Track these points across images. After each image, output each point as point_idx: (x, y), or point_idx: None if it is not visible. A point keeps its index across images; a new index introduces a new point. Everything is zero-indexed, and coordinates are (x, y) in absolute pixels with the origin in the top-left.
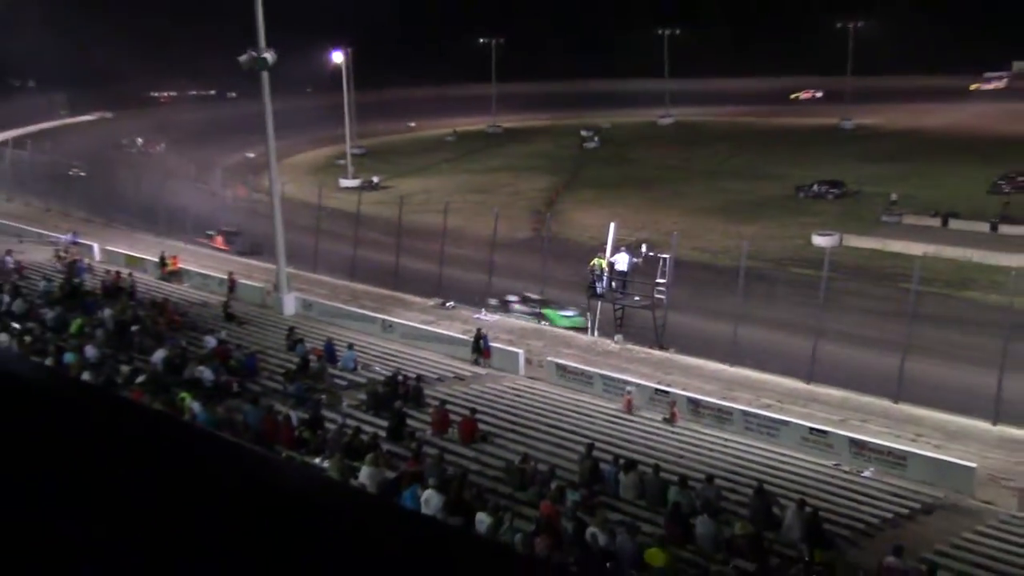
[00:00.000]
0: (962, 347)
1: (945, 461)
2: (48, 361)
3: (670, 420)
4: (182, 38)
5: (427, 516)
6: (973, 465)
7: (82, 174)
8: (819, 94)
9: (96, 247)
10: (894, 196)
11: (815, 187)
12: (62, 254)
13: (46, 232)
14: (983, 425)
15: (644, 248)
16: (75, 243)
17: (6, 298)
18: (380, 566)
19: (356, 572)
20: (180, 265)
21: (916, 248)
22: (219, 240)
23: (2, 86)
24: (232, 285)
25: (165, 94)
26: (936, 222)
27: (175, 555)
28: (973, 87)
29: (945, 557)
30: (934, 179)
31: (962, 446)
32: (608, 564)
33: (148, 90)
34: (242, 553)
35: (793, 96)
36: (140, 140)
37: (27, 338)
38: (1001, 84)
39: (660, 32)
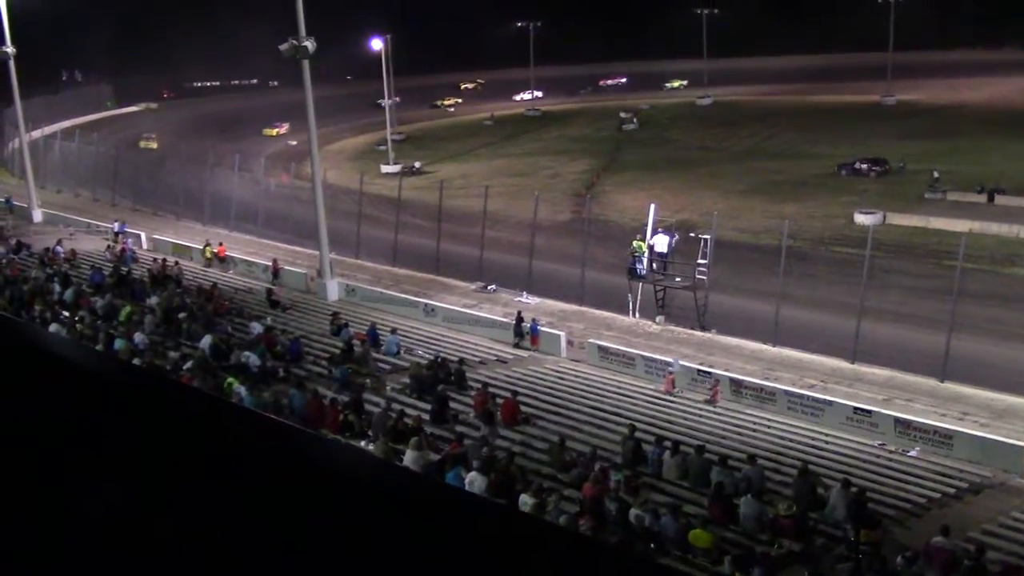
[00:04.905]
0: (1008, 324)
1: (993, 440)
2: (99, 348)
3: (712, 400)
4: (223, 28)
5: (474, 495)
6: (1022, 444)
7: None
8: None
9: (143, 236)
10: (937, 173)
11: (857, 165)
12: (112, 244)
13: (95, 222)
14: None
15: (675, 237)
16: (123, 232)
17: (57, 287)
18: (430, 544)
19: (404, 550)
20: (226, 253)
21: (960, 225)
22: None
23: (52, 78)
24: (276, 272)
25: (193, 84)
26: (981, 198)
27: (227, 533)
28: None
29: (993, 537)
30: (977, 155)
31: (1010, 424)
32: (652, 545)
33: (191, 80)
34: (291, 531)
35: None
36: None
37: (79, 327)
38: None
39: (698, 11)
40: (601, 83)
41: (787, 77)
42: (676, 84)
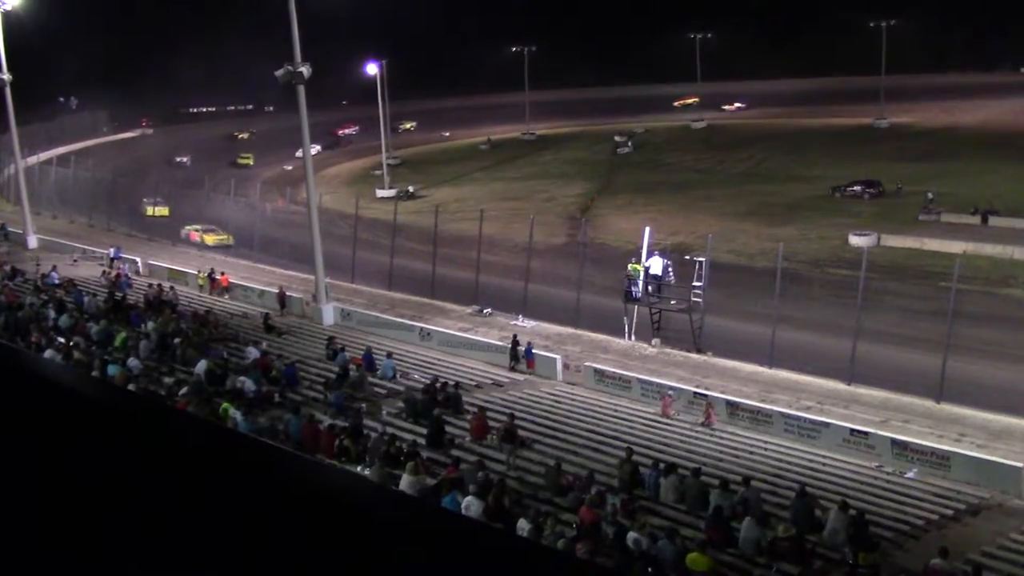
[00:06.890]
0: (1004, 345)
1: (990, 461)
2: (94, 374)
3: (706, 422)
4: (221, 53)
5: (471, 519)
6: (1020, 465)
7: None
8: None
9: (139, 261)
10: (931, 194)
11: (851, 187)
12: (107, 269)
13: (91, 248)
14: None
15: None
16: (119, 258)
17: (52, 313)
18: (427, 568)
19: (402, 574)
20: (230, 281)
21: (955, 246)
22: None
23: (48, 104)
24: (283, 300)
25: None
26: (975, 220)
27: (224, 558)
28: None
29: (992, 559)
30: (971, 177)
31: (1006, 445)
32: (649, 569)
33: (187, 106)
34: (288, 556)
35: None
36: None
37: (76, 354)
38: None
39: (692, 36)
40: (339, 132)
41: (781, 100)
42: (407, 126)
